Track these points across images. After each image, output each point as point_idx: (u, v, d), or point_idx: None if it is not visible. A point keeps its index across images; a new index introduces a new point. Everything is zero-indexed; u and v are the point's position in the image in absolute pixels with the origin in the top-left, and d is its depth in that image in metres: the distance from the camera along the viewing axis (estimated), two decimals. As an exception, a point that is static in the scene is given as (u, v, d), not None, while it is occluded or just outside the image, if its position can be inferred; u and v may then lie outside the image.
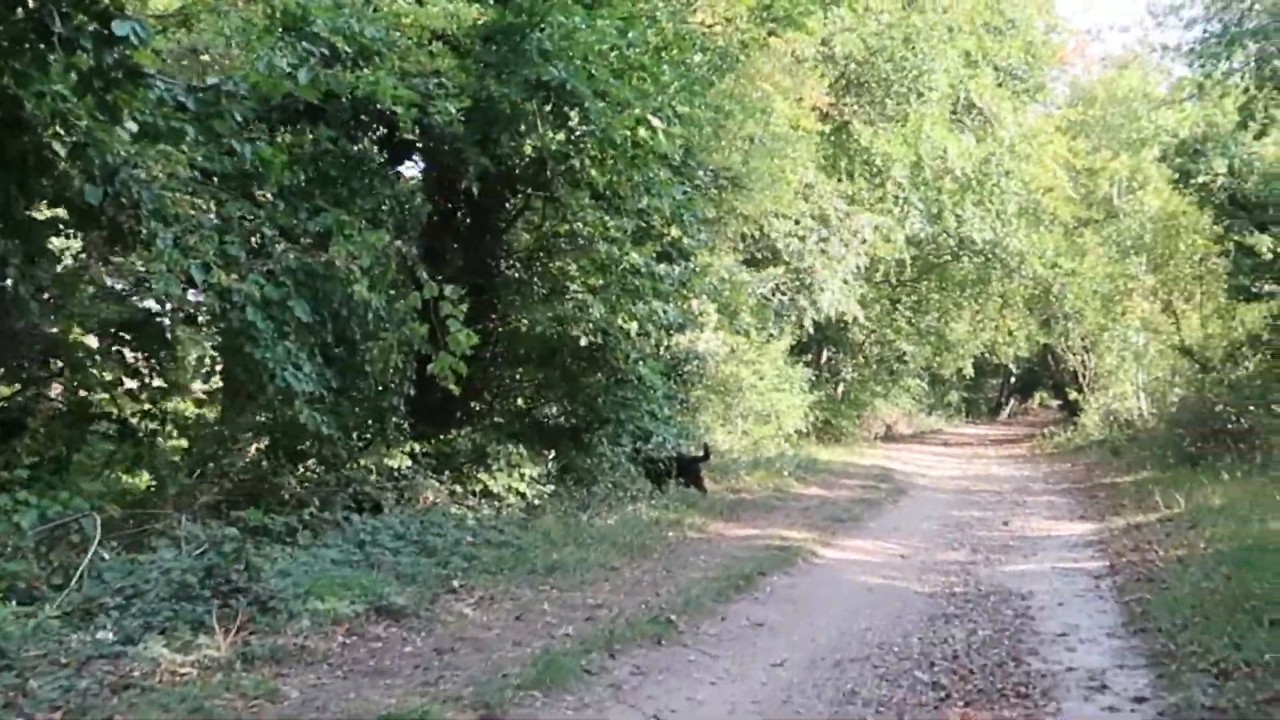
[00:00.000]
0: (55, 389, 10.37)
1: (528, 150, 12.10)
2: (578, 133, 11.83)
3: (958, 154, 25.61)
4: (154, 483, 10.58)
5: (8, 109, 7.50)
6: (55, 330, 9.95)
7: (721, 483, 17.31)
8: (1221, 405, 20.34)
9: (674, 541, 11.55)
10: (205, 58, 9.73)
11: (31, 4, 6.54)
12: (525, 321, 13.38)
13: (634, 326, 13.88)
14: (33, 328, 9.41)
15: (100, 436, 10.33)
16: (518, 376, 15.30)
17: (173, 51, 9.29)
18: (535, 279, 13.92)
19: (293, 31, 9.23)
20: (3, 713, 5.00)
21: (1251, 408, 19.55)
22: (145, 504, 10.03)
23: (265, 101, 9.53)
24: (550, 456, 14.11)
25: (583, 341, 13.31)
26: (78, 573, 6.80)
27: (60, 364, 10.09)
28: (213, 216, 9.16)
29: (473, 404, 14.98)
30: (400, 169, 12.56)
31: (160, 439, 10.82)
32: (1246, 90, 14.52)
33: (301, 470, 11.41)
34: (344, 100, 10.22)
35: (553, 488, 13.27)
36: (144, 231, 8.24)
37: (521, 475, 12.88)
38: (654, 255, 14.14)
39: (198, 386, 11.59)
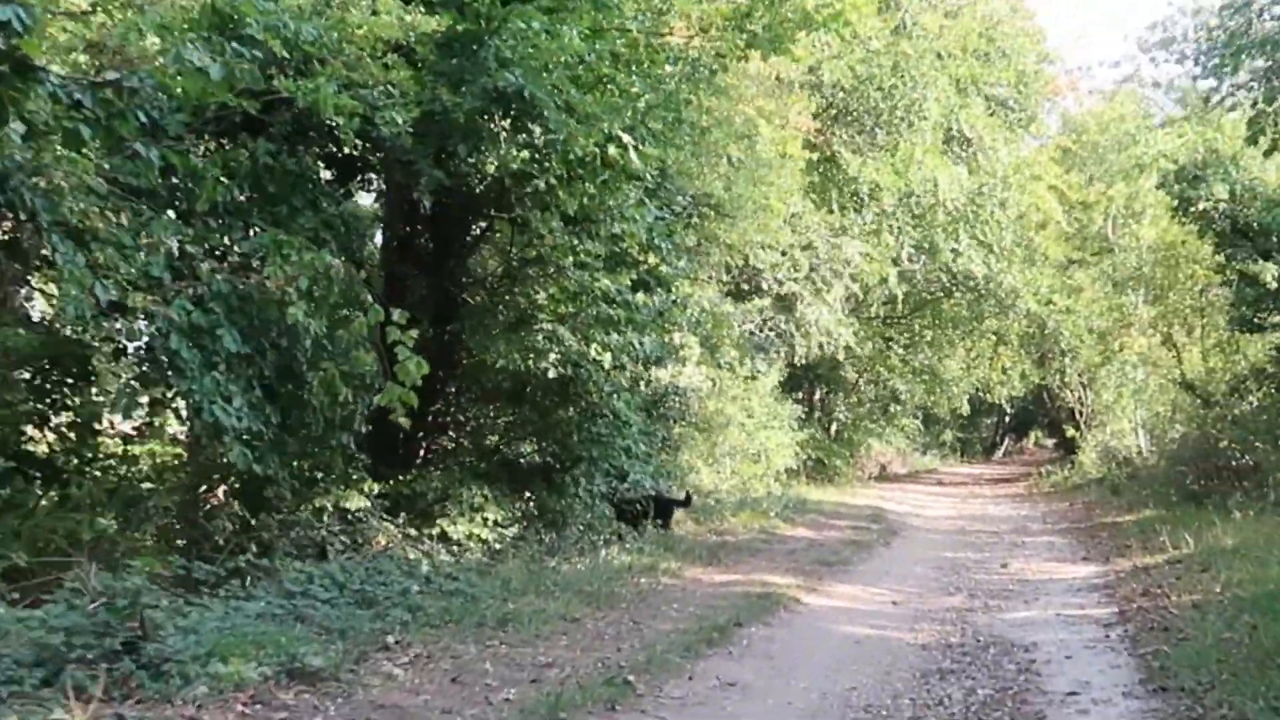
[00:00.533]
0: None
1: (490, 169, 11.32)
2: (542, 150, 11.06)
3: (950, 184, 24.88)
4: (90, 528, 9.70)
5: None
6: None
7: (704, 524, 16.44)
8: (1225, 441, 19.56)
9: (645, 589, 10.64)
10: (119, 58, 8.93)
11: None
12: (491, 353, 12.51)
13: (608, 358, 13.03)
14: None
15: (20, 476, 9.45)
16: (487, 412, 14.42)
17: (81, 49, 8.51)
18: (501, 307, 13.07)
19: (222, 31, 8.44)
20: None
21: (1258, 444, 18.77)
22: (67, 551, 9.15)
23: (199, 113, 8.81)
24: (519, 497, 13.27)
25: (551, 374, 12.48)
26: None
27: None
28: (133, 235, 8.34)
29: (438, 442, 14.14)
30: (350, 188, 11.73)
31: (87, 480, 9.92)
32: (1255, 104, 13.79)
33: (238, 512, 10.51)
34: (285, 112, 9.53)
35: (519, 531, 12.38)
36: (46, 247, 7.42)
37: (485, 518, 11.98)
38: (630, 284, 13.34)
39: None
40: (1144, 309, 26.30)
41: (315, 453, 11.46)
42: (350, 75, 9.50)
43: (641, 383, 17.18)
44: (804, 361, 26.78)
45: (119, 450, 10.56)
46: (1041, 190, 28.45)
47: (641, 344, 13.62)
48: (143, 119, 7.23)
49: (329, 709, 5.91)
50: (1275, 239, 18.29)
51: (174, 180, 9.04)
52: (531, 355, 12.70)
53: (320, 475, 11.89)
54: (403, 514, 11.44)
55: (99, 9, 8.18)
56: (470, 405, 14.47)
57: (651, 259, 14.19)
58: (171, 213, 9.16)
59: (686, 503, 15.53)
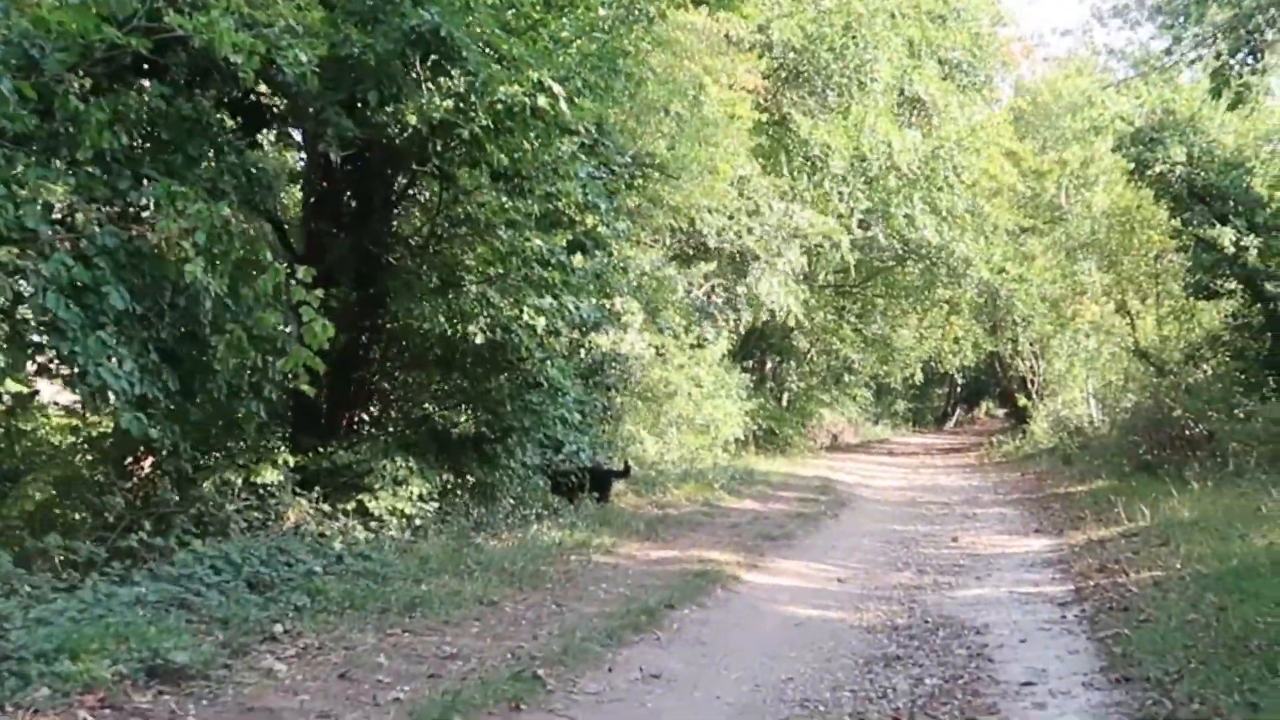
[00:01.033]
0: None
1: (410, 119, 10.51)
2: (466, 98, 10.28)
3: (903, 147, 24.25)
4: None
5: None
6: None
7: (646, 497, 15.79)
8: (1179, 410, 19.13)
9: (574, 568, 9.96)
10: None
11: None
12: (416, 316, 11.76)
13: (541, 323, 12.30)
14: None
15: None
16: (416, 380, 13.67)
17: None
18: (426, 268, 12.29)
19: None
20: None
21: (1211, 413, 18.38)
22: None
23: (87, 54, 8.00)
24: (447, 470, 12.57)
25: (479, 339, 11.75)
26: None
27: None
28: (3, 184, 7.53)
29: (363, 411, 13.39)
30: (257, 139, 10.86)
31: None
32: (1218, 56, 13.22)
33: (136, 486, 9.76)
34: (180, 53, 8.70)
35: (446, 505, 11.68)
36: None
37: (409, 492, 11.24)
38: (565, 245, 12.62)
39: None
40: (1097, 276, 25.85)
41: (221, 423, 10.75)
42: (253, 12, 8.71)
43: (582, 350, 16.52)
44: (755, 330, 26.22)
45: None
46: (996, 155, 27.94)
47: (577, 308, 12.95)
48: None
49: (189, 712, 5.18)
50: (1232, 202, 17.85)
51: (55, 126, 8.22)
52: (459, 319, 11.99)
53: (230, 446, 11.20)
54: (318, 488, 10.67)
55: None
56: (398, 372, 13.71)
57: (589, 219, 13.49)
58: (59, 162, 8.36)
59: (625, 474, 14.87)
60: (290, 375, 8.77)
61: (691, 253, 21.75)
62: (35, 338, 8.25)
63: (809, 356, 33.56)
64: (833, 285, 30.62)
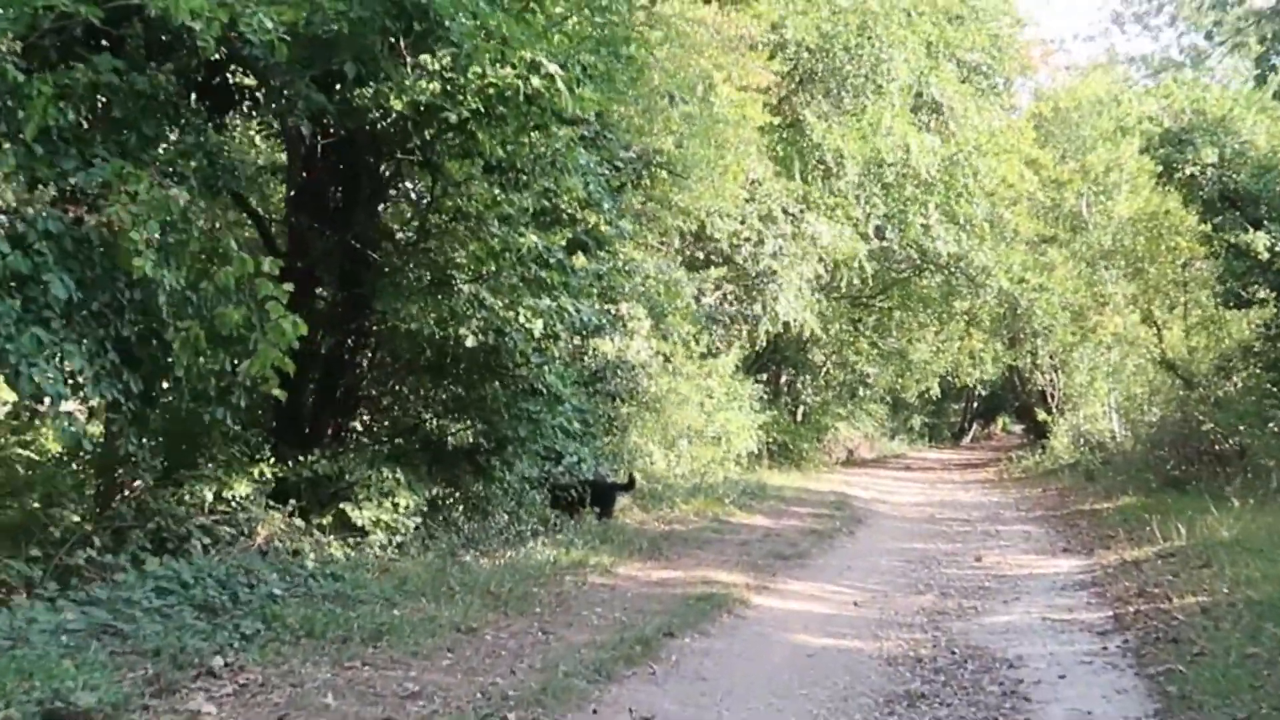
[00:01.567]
0: None
1: (395, 103, 9.76)
2: (453, 78, 9.55)
3: (920, 151, 23.41)
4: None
5: None
6: None
7: (653, 512, 14.98)
8: (1209, 424, 18.28)
9: (568, 589, 9.14)
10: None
11: None
12: (403, 317, 10.99)
13: (539, 326, 11.49)
14: None
15: None
16: (406, 387, 12.90)
17: None
18: (413, 266, 11.54)
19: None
20: None
21: (1242, 427, 17.51)
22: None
23: (34, 24, 7.32)
24: (439, 482, 11.83)
25: (470, 342, 10.97)
26: None
27: None
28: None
29: (353, 419, 12.65)
30: (226, 120, 10.12)
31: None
32: (1263, 40, 12.38)
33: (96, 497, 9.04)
34: (136, 23, 8.01)
35: (432, 521, 10.93)
36: None
37: (394, 504, 10.47)
38: (565, 244, 11.88)
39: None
40: (1122, 285, 24.96)
41: (195, 430, 10.03)
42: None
43: (586, 357, 15.77)
44: (769, 342, 25.44)
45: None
46: (1015, 163, 27.10)
47: (578, 311, 12.16)
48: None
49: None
50: (1266, 207, 17.00)
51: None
52: (451, 321, 11.22)
53: (200, 456, 10.45)
54: (292, 501, 9.91)
55: None
56: (388, 378, 12.96)
57: (591, 217, 12.75)
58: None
59: (629, 488, 14.07)
60: (258, 379, 8.05)
61: (702, 258, 20.96)
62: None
63: (825, 370, 32.79)
64: (849, 297, 29.85)
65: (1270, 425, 16.91)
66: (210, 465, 9.83)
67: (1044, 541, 14.55)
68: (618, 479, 14.45)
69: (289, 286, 7.93)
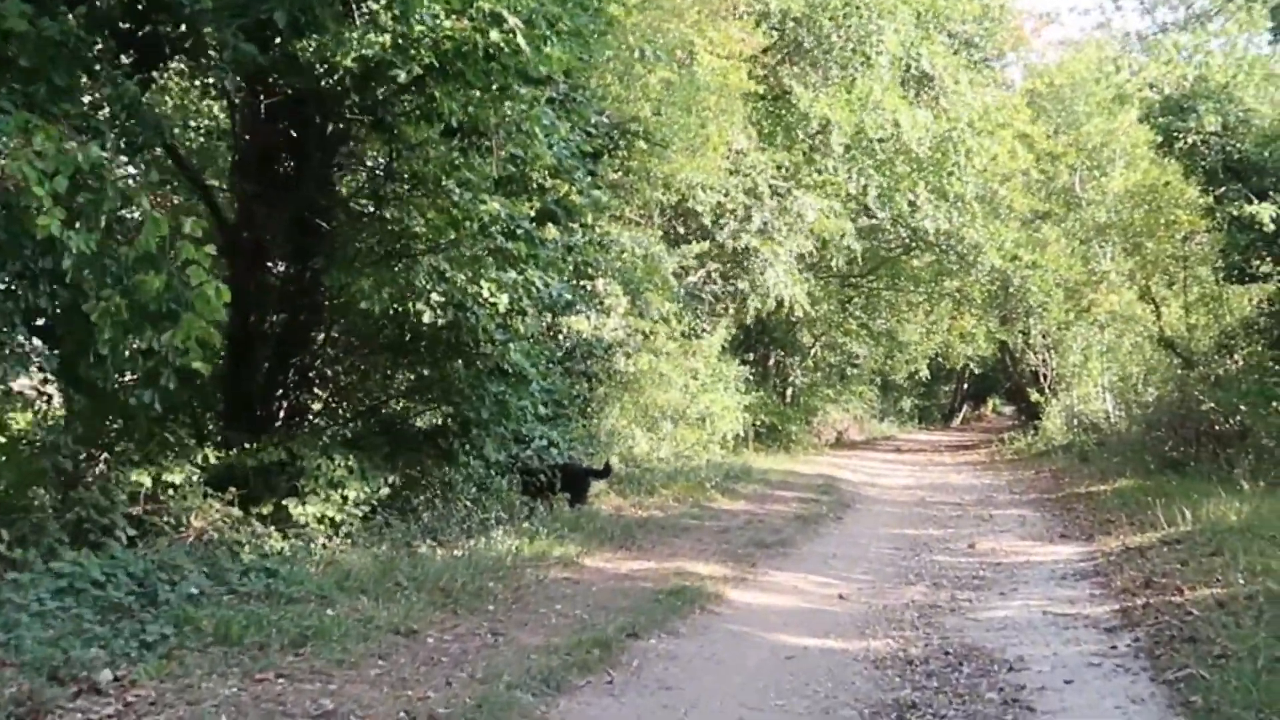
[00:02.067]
0: None
1: (343, 59, 8.97)
2: (409, 33, 8.79)
3: (912, 126, 22.59)
4: None
5: None
6: None
7: (630, 497, 14.27)
8: (1208, 404, 17.60)
9: (527, 584, 8.40)
10: None
11: None
12: (354, 291, 10.22)
13: (504, 301, 10.74)
14: None
15: None
16: (365, 366, 12.15)
17: None
18: (368, 236, 10.77)
19: None
20: None
21: (1243, 406, 16.84)
22: None
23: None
24: (401, 468, 11.09)
25: (427, 317, 10.24)
26: None
27: None
28: None
29: (310, 402, 11.92)
30: (153, 75, 9.28)
31: None
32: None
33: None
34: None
35: (389, 508, 10.16)
36: None
37: (344, 495, 9.71)
38: (532, 214, 11.12)
39: None
40: (1119, 262, 24.27)
41: (122, 413, 9.30)
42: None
43: (560, 335, 15.03)
44: (757, 322, 24.70)
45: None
46: (1008, 138, 26.33)
47: (547, 285, 11.44)
48: None
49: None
50: (1271, 177, 16.31)
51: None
52: (409, 295, 10.47)
53: (134, 440, 9.70)
54: (232, 489, 9.14)
55: None
56: (347, 358, 12.20)
57: (562, 186, 12.00)
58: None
59: (605, 473, 13.32)
60: (181, 353, 7.31)
61: (683, 232, 20.17)
62: None
63: (814, 351, 32.09)
64: (838, 276, 29.12)
65: (1275, 404, 16.27)
66: (141, 451, 9.06)
67: (1040, 526, 13.87)
68: (592, 464, 13.72)
69: (211, 248, 7.20)
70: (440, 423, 11.87)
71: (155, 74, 9.00)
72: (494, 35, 8.87)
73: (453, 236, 10.33)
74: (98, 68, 7.77)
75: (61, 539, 7.54)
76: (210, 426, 10.83)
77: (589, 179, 12.81)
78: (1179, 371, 20.36)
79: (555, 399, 13.44)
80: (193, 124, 12.28)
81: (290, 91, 9.78)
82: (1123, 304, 24.56)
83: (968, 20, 26.55)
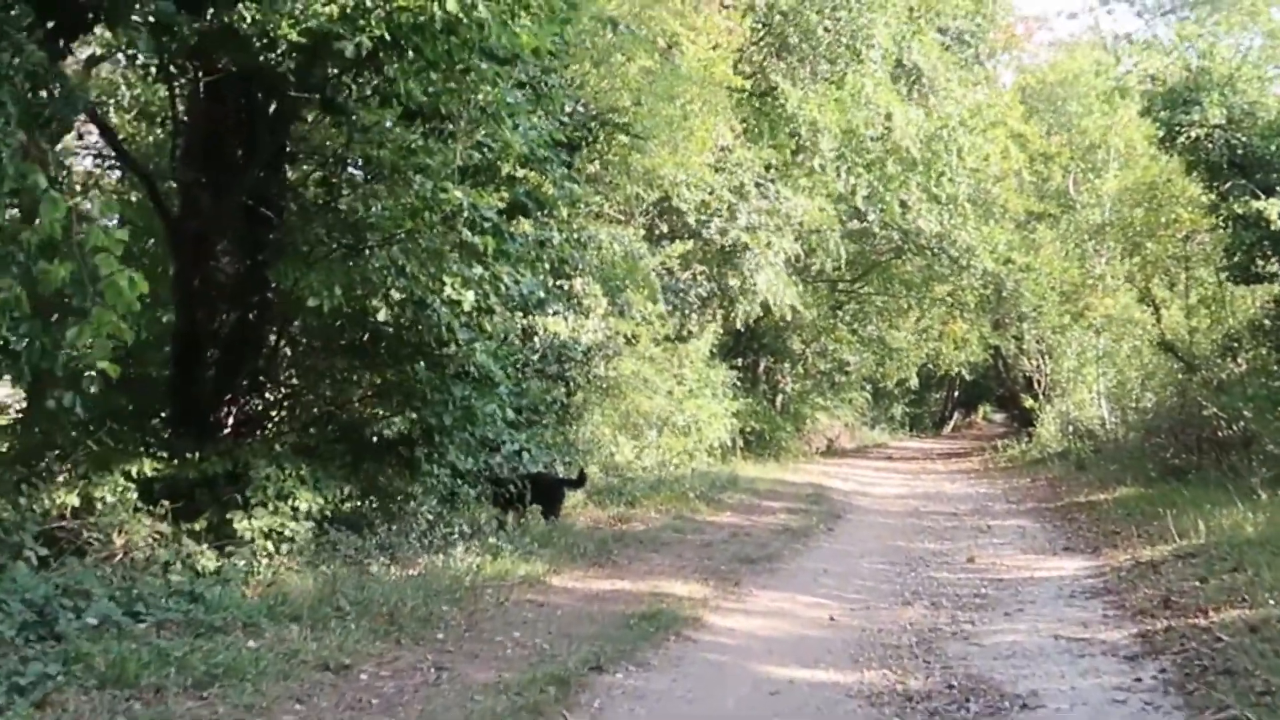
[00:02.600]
0: None
1: (287, 31, 8.20)
2: (361, 3, 8.05)
3: (905, 122, 21.87)
4: None
5: None
6: None
7: (609, 509, 13.49)
8: (1211, 409, 16.88)
9: (486, 608, 7.60)
10: None
11: None
12: (302, 287, 9.41)
13: (469, 298, 9.93)
14: None
15: None
16: (322, 369, 11.36)
17: None
18: (320, 228, 9.98)
19: None
20: None
21: (1248, 411, 16.14)
22: None
23: None
24: (357, 477, 10.32)
25: (382, 315, 9.47)
26: None
27: None
28: None
29: (263, 407, 11.15)
30: (72, 48, 8.47)
31: None
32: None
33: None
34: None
35: (340, 523, 9.38)
36: None
37: (292, 509, 8.92)
38: (501, 206, 10.33)
39: None
40: (1117, 263, 23.58)
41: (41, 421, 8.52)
42: None
43: (536, 337, 14.25)
44: (746, 329, 23.92)
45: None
46: (1001, 138, 25.66)
47: (516, 282, 10.66)
48: None
49: None
50: (1278, 172, 15.60)
51: None
52: (364, 291, 9.66)
53: (62, 449, 8.93)
54: (165, 503, 8.35)
55: None
56: (302, 360, 11.43)
57: (533, 176, 11.26)
58: None
59: (579, 483, 12.54)
60: (87, 348, 6.52)
61: (667, 231, 19.38)
62: None
63: (803, 357, 31.35)
64: (828, 280, 28.41)
65: (1280, 410, 15.59)
66: (63, 461, 8.27)
67: (1041, 538, 13.13)
68: (567, 474, 12.94)
69: (123, 233, 6.43)
70: (403, 430, 11.10)
71: (73, 44, 8.18)
72: (451, 5, 8.14)
73: (409, 227, 9.54)
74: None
75: (-38, 561, 6.76)
76: (152, 436, 10.07)
77: (563, 170, 12.08)
78: (1180, 376, 19.67)
79: (528, 404, 12.66)
80: (127, 106, 11.47)
81: (234, 69, 9.01)
82: (1120, 307, 23.88)
83: (959, 14, 25.89)
